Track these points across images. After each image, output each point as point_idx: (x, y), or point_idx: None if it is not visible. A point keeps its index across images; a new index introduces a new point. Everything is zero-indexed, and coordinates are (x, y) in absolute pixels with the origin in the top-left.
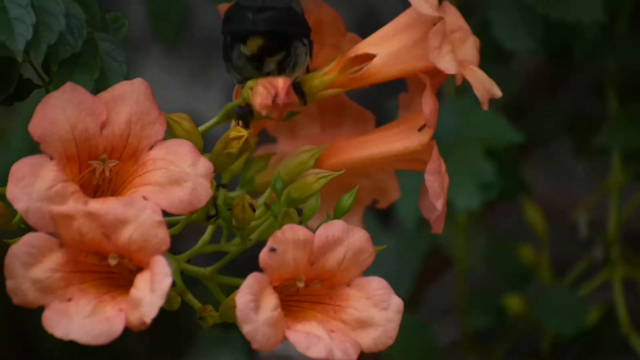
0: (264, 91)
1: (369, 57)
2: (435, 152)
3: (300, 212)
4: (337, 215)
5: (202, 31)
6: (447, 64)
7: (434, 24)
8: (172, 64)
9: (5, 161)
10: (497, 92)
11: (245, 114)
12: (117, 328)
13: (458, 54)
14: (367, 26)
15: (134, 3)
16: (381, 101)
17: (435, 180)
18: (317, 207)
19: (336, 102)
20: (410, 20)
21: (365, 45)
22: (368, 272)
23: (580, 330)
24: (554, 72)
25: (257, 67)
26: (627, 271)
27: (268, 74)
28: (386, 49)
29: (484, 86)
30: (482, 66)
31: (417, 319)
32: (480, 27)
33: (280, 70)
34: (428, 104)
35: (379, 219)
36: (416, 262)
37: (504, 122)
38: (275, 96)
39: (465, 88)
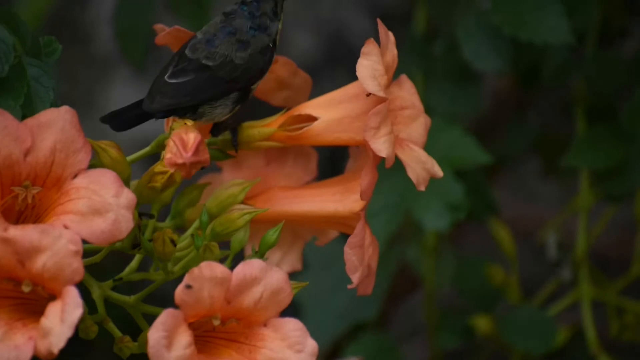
0: (174, 148)
1: (310, 119)
2: (360, 225)
3: (227, 245)
4: (262, 250)
5: (170, 51)
6: (380, 146)
7: (380, 103)
8: (141, 83)
9: None
10: (438, 172)
11: None
12: (25, 356)
13: (402, 132)
14: (336, 46)
15: (102, 24)
16: None
17: (354, 254)
18: (244, 240)
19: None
20: (358, 92)
21: (310, 107)
22: (336, 291)
23: (549, 351)
24: (522, 92)
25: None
26: (596, 292)
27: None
28: (329, 115)
29: (424, 166)
30: (450, 86)
31: (386, 339)
32: (448, 47)
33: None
34: (367, 178)
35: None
36: (385, 283)
37: (472, 142)
38: (183, 152)
39: (433, 109)
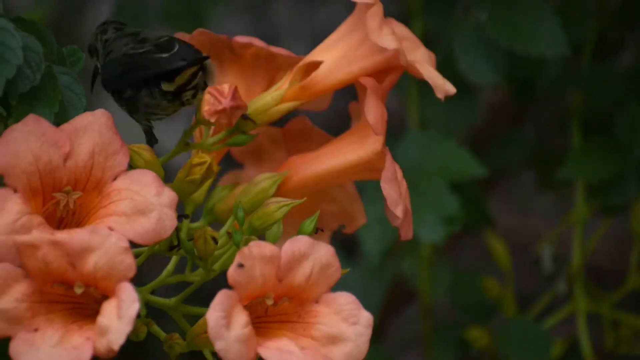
0: (211, 98)
1: (316, 65)
2: (388, 159)
3: (263, 240)
4: None
5: None
6: (389, 41)
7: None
8: None
9: None
10: (451, 90)
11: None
12: (85, 356)
13: (410, 56)
14: None
15: None
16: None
17: (392, 187)
18: (279, 233)
19: (301, 127)
20: (351, 25)
21: (312, 55)
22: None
23: None
24: (518, 104)
25: (173, 99)
26: (591, 304)
27: (184, 104)
28: (333, 54)
29: (437, 82)
30: (446, 99)
31: (381, 351)
32: (444, 59)
33: (195, 95)
34: (372, 111)
35: (344, 250)
36: (380, 295)
37: (467, 155)
38: (222, 99)
39: (428, 121)
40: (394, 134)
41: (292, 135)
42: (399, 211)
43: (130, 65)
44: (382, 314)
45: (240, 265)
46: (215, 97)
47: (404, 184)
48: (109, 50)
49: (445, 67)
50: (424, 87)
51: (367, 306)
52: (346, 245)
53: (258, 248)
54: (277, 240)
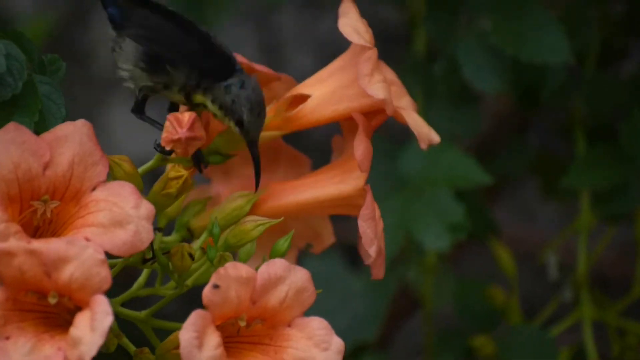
0: (169, 126)
1: (303, 99)
2: (369, 197)
3: (235, 257)
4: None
5: None
6: (377, 90)
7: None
8: None
9: None
10: (435, 138)
11: (198, 156)
12: None
13: (396, 102)
14: None
15: (102, 45)
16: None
17: (368, 226)
18: (252, 251)
19: (271, 144)
20: (345, 63)
21: (300, 87)
22: (336, 312)
23: None
24: (522, 112)
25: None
26: (597, 312)
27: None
28: (321, 90)
29: (422, 130)
30: (450, 107)
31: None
32: (448, 68)
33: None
34: (360, 147)
35: (347, 259)
36: (384, 303)
37: (472, 163)
38: (178, 129)
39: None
40: (399, 142)
41: (262, 152)
42: (372, 250)
43: (182, 40)
44: (386, 322)
45: (216, 286)
46: (173, 126)
47: (380, 224)
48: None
49: (449, 75)
50: (429, 95)
51: (371, 315)
52: (350, 254)
53: (234, 269)
54: (250, 258)
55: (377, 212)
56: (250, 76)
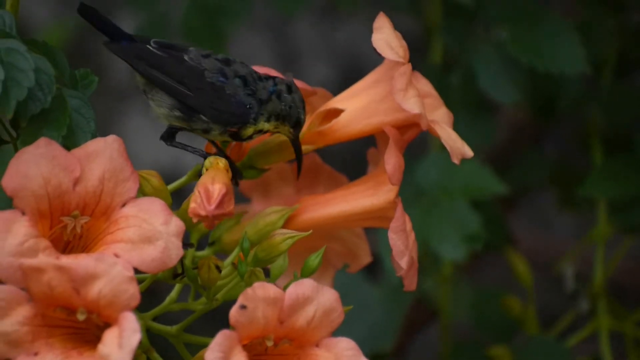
0: (198, 198)
1: (337, 113)
2: (399, 210)
3: (267, 273)
4: (304, 276)
5: None
6: (412, 105)
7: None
8: None
9: None
10: (468, 153)
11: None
12: None
13: (430, 115)
14: (352, 77)
15: None
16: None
17: (399, 238)
18: (284, 267)
19: (310, 164)
20: (378, 77)
21: (334, 102)
22: (352, 321)
23: None
24: (539, 123)
25: (231, 135)
26: (614, 323)
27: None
28: (354, 104)
29: (455, 144)
30: (466, 117)
31: None
32: (465, 78)
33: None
34: (391, 161)
35: (364, 270)
36: (401, 314)
37: (488, 173)
38: (206, 205)
39: None
40: (416, 153)
41: (301, 172)
42: (403, 262)
43: (216, 96)
44: (403, 332)
45: (243, 307)
46: (202, 201)
47: (412, 236)
48: (201, 68)
49: (465, 85)
50: (446, 105)
51: (388, 324)
52: (368, 265)
53: (262, 290)
54: (282, 274)
55: (409, 225)
56: (285, 77)
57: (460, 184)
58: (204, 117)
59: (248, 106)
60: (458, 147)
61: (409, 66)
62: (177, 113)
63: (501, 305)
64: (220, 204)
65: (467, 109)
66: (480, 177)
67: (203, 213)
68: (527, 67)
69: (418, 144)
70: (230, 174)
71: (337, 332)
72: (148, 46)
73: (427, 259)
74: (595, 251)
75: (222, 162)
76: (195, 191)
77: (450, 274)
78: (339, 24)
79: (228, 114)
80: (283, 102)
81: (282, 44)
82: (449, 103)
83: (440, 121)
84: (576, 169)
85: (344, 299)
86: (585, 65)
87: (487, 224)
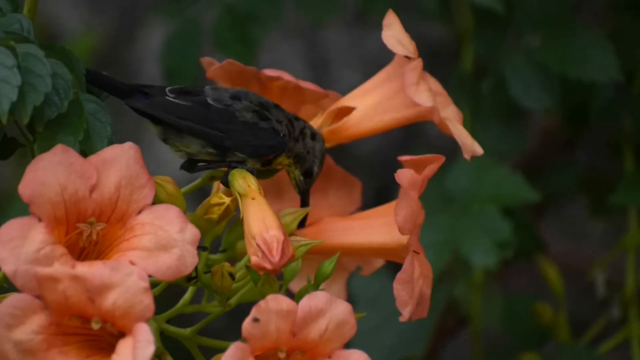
0: (259, 252)
1: (348, 111)
2: (408, 259)
3: (280, 275)
4: (318, 282)
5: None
6: (424, 98)
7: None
8: None
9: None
10: (478, 150)
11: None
12: None
13: (441, 112)
14: None
15: (149, 60)
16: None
17: (404, 289)
18: (297, 270)
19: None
20: (389, 74)
21: (345, 100)
22: (383, 328)
23: None
24: (569, 130)
25: (264, 165)
26: None
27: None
28: (366, 102)
29: (466, 141)
30: (497, 124)
31: None
32: (495, 85)
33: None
34: (401, 213)
35: (394, 274)
36: (432, 320)
37: (519, 180)
38: (270, 258)
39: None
40: (446, 159)
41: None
42: (406, 312)
43: (250, 134)
44: (434, 339)
45: (256, 319)
46: (264, 255)
47: (421, 280)
48: (235, 108)
49: (496, 93)
50: (476, 112)
51: (418, 331)
52: (397, 270)
53: (275, 302)
54: (295, 277)
55: (417, 271)
56: (309, 124)
57: (491, 190)
58: (239, 154)
59: (282, 135)
60: (469, 144)
61: (419, 61)
62: (210, 150)
63: (532, 312)
64: (283, 252)
65: (498, 116)
66: (510, 184)
67: (269, 267)
68: (558, 74)
69: (448, 150)
70: (274, 215)
71: (369, 340)
72: (167, 97)
73: (457, 266)
74: (627, 258)
75: (253, 184)
76: (253, 243)
77: (481, 281)
78: (369, 32)
79: (265, 147)
80: (304, 146)
81: (313, 51)
82: (479, 110)
83: (452, 118)
84: (607, 177)
85: (374, 306)
86: (617, 72)
87: (517, 230)
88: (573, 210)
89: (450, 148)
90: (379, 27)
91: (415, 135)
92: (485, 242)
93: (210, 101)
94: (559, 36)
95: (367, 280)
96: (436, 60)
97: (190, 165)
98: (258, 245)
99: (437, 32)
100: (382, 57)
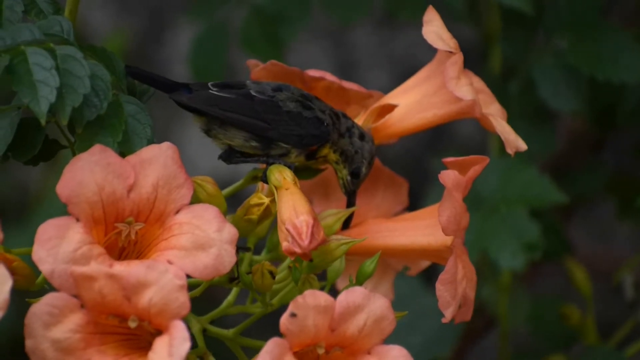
0: (289, 236)
1: (391, 108)
2: (452, 260)
3: (324, 275)
4: (360, 281)
5: None
6: (465, 92)
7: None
8: None
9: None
10: (522, 146)
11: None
12: None
13: (484, 109)
14: None
15: (177, 62)
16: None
17: (447, 290)
18: (341, 269)
19: None
20: (430, 72)
21: (388, 98)
22: (412, 329)
23: None
24: (598, 131)
25: (308, 157)
26: None
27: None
28: (407, 99)
29: (510, 137)
30: (525, 125)
31: None
32: (524, 86)
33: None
34: (445, 213)
35: (423, 276)
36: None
37: (547, 182)
38: (300, 242)
39: None
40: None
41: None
42: (448, 313)
43: (295, 123)
44: (461, 340)
45: (293, 315)
46: (294, 239)
47: (464, 282)
48: (281, 105)
49: (524, 94)
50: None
51: (446, 332)
52: (426, 270)
53: (313, 298)
54: (338, 277)
55: (461, 273)
56: (358, 125)
57: (519, 192)
58: (283, 144)
59: (326, 124)
60: (512, 139)
61: (460, 55)
62: (254, 143)
63: (560, 314)
64: (312, 236)
65: (526, 117)
66: (539, 185)
67: (299, 251)
68: (586, 76)
69: (477, 150)
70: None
71: (396, 340)
72: (211, 91)
73: (485, 267)
74: None
75: (289, 176)
76: (283, 228)
77: (509, 283)
78: (397, 32)
79: (309, 137)
80: (352, 144)
81: (341, 52)
82: (507, 112)
83: (495, 114)
84: (635, 178)
85: (403, 306)
86: None
87: (545, 232)
88: (601, 212)
89: (479, 148)
90: (406, 28)
91: (444, 136)
92: (513, 243)
93: (253, 93)
94: (588, 38)
95: (395, 281)
96: (464, 61)
97: (229, 155)
98: (288, 230)
99: (465, 33)
100: (409, 58)
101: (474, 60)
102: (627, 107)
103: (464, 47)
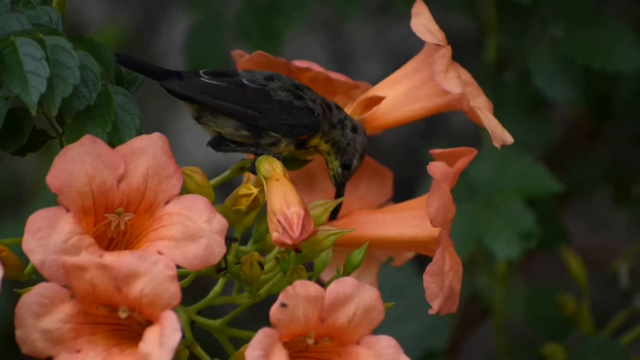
0: (279, 227)
1: (378, 100)
2: (439, 251)
3: (311, 265)
4: (347, 271)
5: None
6: (453, 85)
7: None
8: None
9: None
10: (508, 139)
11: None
12: None
13: (472, 102)
14: None
15: (172, 51)
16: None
17: (434, 281)
18: (328, 260)
19: None
20: (418, 64)
21: (375, 90)
22: (406, 319)
23: None
24: (594, 121)
25: (298, 146)
26: None
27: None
28: (395, 91)
29: (496, 130)
30: (521, 115)
31: None
32: (519, 76)
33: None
34: (433, 205)
35: (418, 266)
36: (455, 311)
37: (543, 171)
38: (291, 233)
39: None
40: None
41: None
42: (435, 304)
43: (286, 112)
44: (456, 329)
45: (283, 305)
46: (285, 230)
47: (451, 274)
48: (273, 92)
49: (520, 84)
50: (500, 103)
51: (441, 322)
52: (420, 261)
53: (303, 288)
54: (325, 267)
55: (448, 264)
56: (351, 117)
57: (515, 181)
58: (274, 134)
59: (316, 113)
60: (499, 132)
61: (448, 49)
62: (244, 132)
63: (555, 303)
64: (303, 228)
65: (522, 107)
66: (534, 175)
67: (290, 242)
68: (582, 65)
69: (471, 141)
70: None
71: (392, 330)
72: (202, 79)
73: (480, 257)
74: None
75: (278, 167)
76: (274, 219)
77: (505, 272)
78: (392, 24)
79: (300, 126)
80: (344, 136)
81: (336, 43)
82: (503, 101)
83: (481, 107)
84: (632, 168)
85: (397, 296)
86: None
87: (541, 221)
88: (597, 201)
89: (473, 139)
90: (401, 19)
91: (438, 126)
92: (509, 233)
93: (245, 82)
94: (584, 27)
95: (390, 271)
96: (459, 51)
97: (218, 143)
98: (279, 221)
99: (460, 23)
100: (405, 49)
101: (470, 50)
102: (623, 96)
103: (459, 37)
